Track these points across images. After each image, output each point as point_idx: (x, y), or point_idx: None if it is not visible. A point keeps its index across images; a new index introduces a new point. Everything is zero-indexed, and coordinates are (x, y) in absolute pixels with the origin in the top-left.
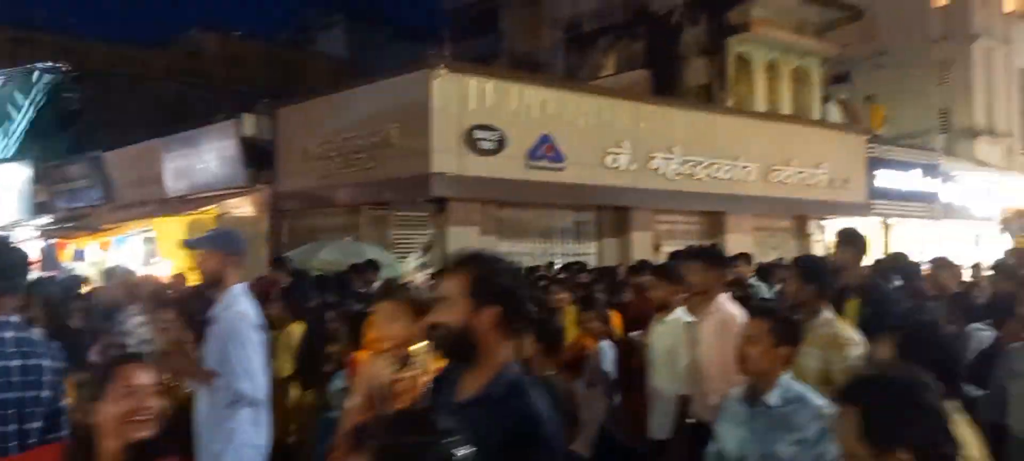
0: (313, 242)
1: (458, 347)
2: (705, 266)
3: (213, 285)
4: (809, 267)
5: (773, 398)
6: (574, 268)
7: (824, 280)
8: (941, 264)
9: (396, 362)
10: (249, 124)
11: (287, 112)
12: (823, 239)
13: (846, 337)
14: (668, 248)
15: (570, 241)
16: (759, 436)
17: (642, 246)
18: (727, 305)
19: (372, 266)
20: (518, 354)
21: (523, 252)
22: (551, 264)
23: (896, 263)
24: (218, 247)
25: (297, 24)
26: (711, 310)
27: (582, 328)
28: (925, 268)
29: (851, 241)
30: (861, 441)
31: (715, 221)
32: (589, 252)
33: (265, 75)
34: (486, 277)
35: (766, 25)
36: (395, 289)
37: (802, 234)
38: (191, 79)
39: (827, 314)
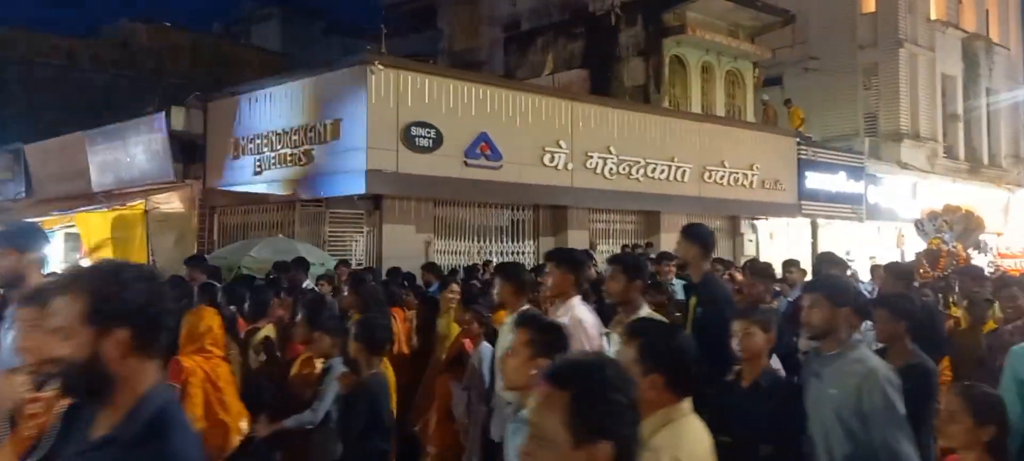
0: (244, 240)
1: (83, 383)
2: (557, 268)
3: (10, 285)
4: (629, 264)
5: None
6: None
7: (642, 276)
8: (791, 263)
9: (36, 379)
10: (178, 117)
11: (218, 105)
12: (756, 239)
13: None
14: (603, 247)
15: (507, 240)
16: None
17: (579, 245)
18: (576, 309)
19: (301, 265)
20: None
21: (460, 251)
22: (488, 262)
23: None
24: (13, 244)
25: (231, 16)
26: (561, 313)
27: (462, 328)
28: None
29: (696, 237)
30: (565, 427)
31: (650, 220)
32: (526, 251)
33: (197, 68)
34: (106, 296)
35: (701, 27)
36: (38, 293)
37: (735, 234)
38: (119, 70)
39: (646, 310)
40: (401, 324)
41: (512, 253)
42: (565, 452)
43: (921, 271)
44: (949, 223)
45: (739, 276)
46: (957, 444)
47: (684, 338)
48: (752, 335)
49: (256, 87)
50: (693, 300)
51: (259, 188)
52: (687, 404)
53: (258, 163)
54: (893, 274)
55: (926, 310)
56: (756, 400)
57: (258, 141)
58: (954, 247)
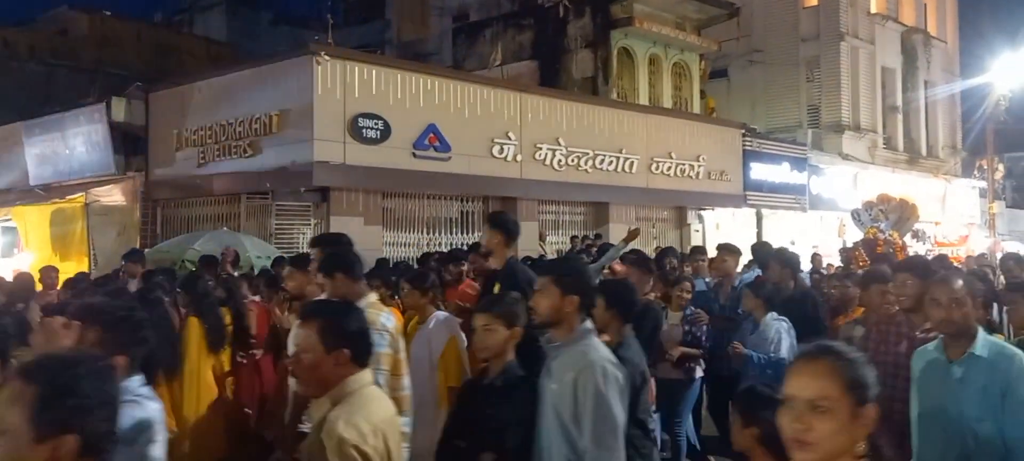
0: (189, 233)
1: None
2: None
3: None
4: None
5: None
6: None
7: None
8: (725, 248)
9: None
10: (120, 108)
11: (161, 96)
12: (702, 229)
13: None
14: (552, 238)
15: (457, 231)
16: None
17: (528, 236)
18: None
19: (210, 263)
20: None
21: (409, 242)
22: (428, 255)
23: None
24: None
25: (174, 5)
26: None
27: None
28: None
29: (500, 225)
30: (28, 422)
31: (599, 211)
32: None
33: (138, 58)
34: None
35: (648, 20)
36: None
37: (682, 224)
38: (58, 60)
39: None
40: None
41: (461, 245)
42: (26, 446)
43: (859, 260)
44: (885, 212)
45: (619, 267)
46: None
47: (359, 312)
48: (493, 331)
49: (200, 78)
50: (496, 287)
51: (203, 181)
52: (367, 375)
53: (202, 155)
54: (779, 261)
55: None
56: (492, 400)
57: (202, 132)
58: (890, 236)
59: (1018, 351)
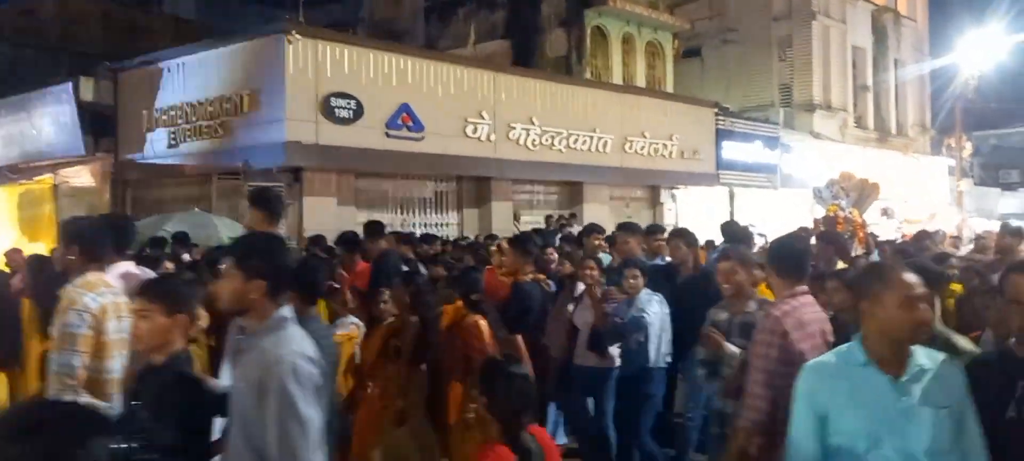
0: (159, 214)
1: None
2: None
3: None
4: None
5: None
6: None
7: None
8: (625, 228)
9: None
10: (88, 88)
11: (130, 76)
12: (675, 208)
13: None
14: (527, 218)
15: (431, 212)
16: None
17: (502, 216)
18: None
19: (180, 239)
20: None
21: (383, 222)
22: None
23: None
24: None
25: None
26: None
27: None
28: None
29: (260, 202)
30: None
31: (573, 191)
32: (450, 222)
33: (106, 37)
34: None
35: None
36: None
37: (655, 203)
38: (23, 39)
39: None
40: None
41: (436, 225)
42: None
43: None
44: (846, 190)
45: (501, 248)
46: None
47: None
48: (148, 317)
49: (170, 57)
50: None
51: (174, 161)
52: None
53: (173, 135)
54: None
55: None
56: (149, 396)
57: (172, 113)
58: (850, 213)
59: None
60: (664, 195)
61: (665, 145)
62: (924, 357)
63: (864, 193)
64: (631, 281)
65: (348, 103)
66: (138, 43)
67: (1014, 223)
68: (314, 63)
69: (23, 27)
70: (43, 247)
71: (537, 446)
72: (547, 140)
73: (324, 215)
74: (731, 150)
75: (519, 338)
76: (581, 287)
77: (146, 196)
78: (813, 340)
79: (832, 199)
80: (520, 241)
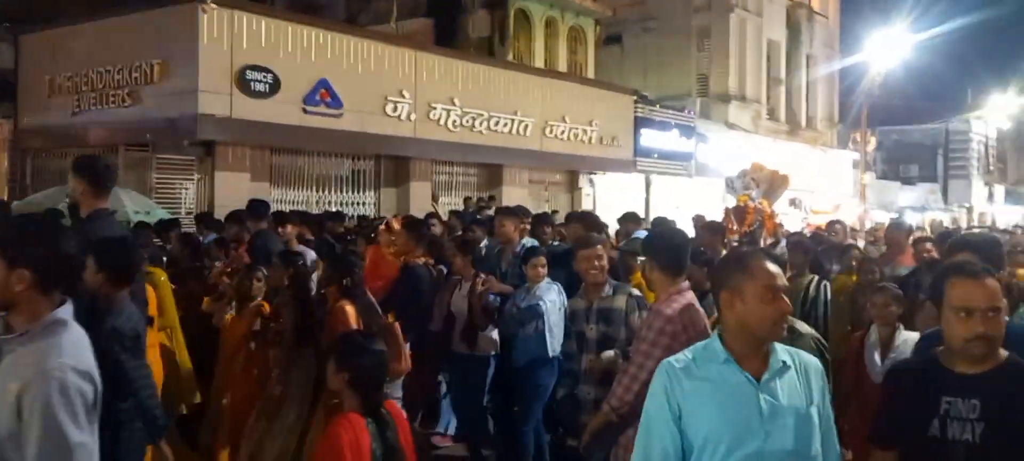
0: (60, 186)
1: None
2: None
3: None
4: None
5: None
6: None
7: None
8: (504, 212)
9: None
10: None
11: (32, 39)
12: (593, 193)
13: None
14: (446, 199)
15: (348, 190)
16: None
17: (421, 196)
18: None
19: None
20: None
21: (298, 200)
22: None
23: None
24: None
25: None
26: None
27: None
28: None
29: (85, 170)
30: None
31: (493, 173)
32: (368, 201)
33: None
34: None
35: None
36: None
37: (573, 188)
38: None
39: None
40: None
41: (353, 204)
42: None
43: (729, 227)
44: (756, 181)
45: (390, 228)
46: None
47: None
48: None
49: (77, 20)
50: None
51: (78, 130)
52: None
53: (77, 103)
54: (708, 230)
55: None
56: None
57: (77, 79)
58: (760, 204)
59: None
60: (582, 180)
61: (585, 130)
62: (785, 353)
63: (774, 184)
64: (535, 270)
65: (264, 76)
66: (41, 6)
67: (907, 216)
68: (230, 34)
69: None
70: None
71: (391, 419)
72: (468, 121)
73: (237, 191)
74: (649, 138)
75: (396, 325)
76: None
77: (47, 165)
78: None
79: (743, 189)
80: (413, 224)
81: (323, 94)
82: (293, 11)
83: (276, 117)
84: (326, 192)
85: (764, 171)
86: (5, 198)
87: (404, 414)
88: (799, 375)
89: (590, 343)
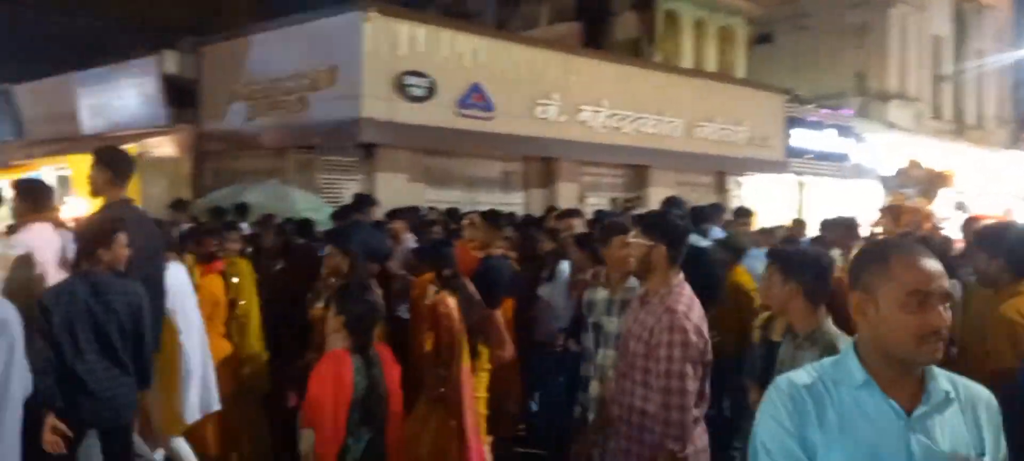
0: (236, 185)
1: None
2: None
3: None
4: None
5: None
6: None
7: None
8: (396, 213)
9: None
10: (172, 61)
11: (212, 50)
12: (741, 195)
13: None
14: (592, 200)
15: (497, 191)
16: None
17: (568, 197)
18: None
19: (240, 210)
20: None
21: (450, 200)
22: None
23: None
24: None
25: None
26: None
27: None
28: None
29: (106, 161)
30: None
31: (639, 174)
32: (516, 202)
33: (187, 12)
34: None
35: None
36: None
37: (722, 189)
38: (107, 13)
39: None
40: None
41: (501, 204)
42: None
43: (883, 227)
44: (913, 179)
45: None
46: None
47: None
48: None
49: (251, 32)
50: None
51: (253, 134)
52: None
53: (252, 109)
54: (839, 226)
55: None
56: None
57: (252, 87)
58: (916, 203)
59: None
60: (731, 181)
61: (734, 131)
62: (948, 381)
63: (933, 182)
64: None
65: (422, 81)
66: (217, 20)
67: None
68: (390, 41)
69: (106, 2)
70: None
71: (378, 359)
72: (615, 122)
73: (395, 192)
74: (801, 138)
75: (496, 313)
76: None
77: (225, 167)
78: (703, 337)
79: (898, 187)
80: (491, 215)
81: (476, 97)
82: (448, 18)
83: (432, 120)
84: (476, 193)
85: (922, 168)
86: (189, 198)
87: (395, 360)
88: (965, 411)
89: (609, 337)
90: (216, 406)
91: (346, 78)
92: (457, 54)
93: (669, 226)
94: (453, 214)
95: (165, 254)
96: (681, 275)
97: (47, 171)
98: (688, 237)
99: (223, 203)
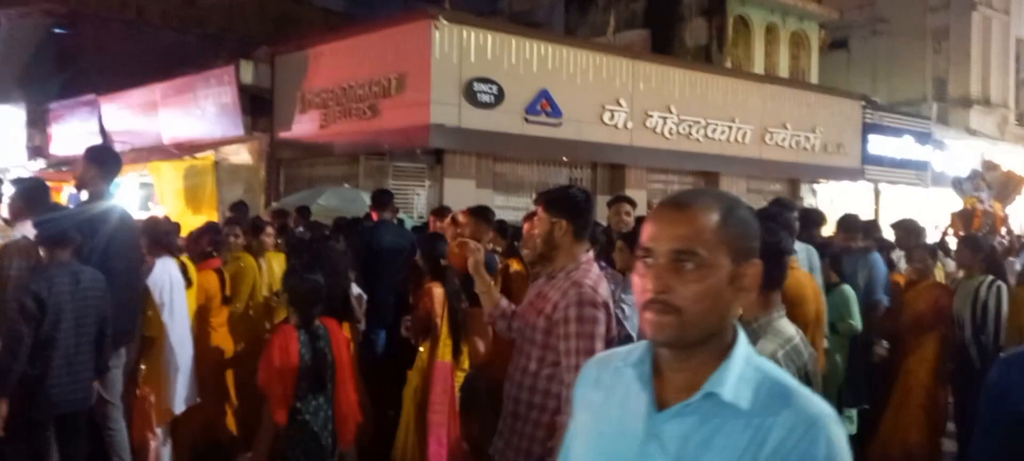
0: (309, 190)
1: None
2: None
3: None
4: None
5: None
6: None
7: None
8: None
9: None
10: (247, 71)
11: (286, 60)
12: (815, 203)
13: None
14: None
15: None
16: None
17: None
18: None
19: (303, 212)
20: None
21: (518, 207)
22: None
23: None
24: None
25: None
26: None
27: None
28: None
29: (93, 159)
30: None
31: (709, 181)
32: None
33: (262, 25)
34: None
35: None
36: None
37: (795, 197)
38: (187, 27)
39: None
40: None
41: None
42: None
43: (954, 231)
44: (988, 182)
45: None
46: None
47: None
48: None
49: (323, 41)
50: None
51: (324, 141)
52: None
53: (324, 116)
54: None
55: None
56: None
57: (324, 95)
58: (991, 207)
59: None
60: (804, 189)
61: (807, 137)
62: (740, 378)
63: (1009, 186)
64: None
65: (490, 88)
66: (290, 32)
67: None
68: (458, 48)
69: (187, 16)
70: (203, 218)
71: (325, 331)
72: (684, 129)
73: (463, 197)
74: (878, 145)
75: (480, 311)
76: None
77: (298, 173)
78: (610, 313)
79: (973, 191)
80: (480, 211)
81: (544, 104)
82: (516, 25)
83: (500, 126)
84: None
85: (998, 171)
86: (262, 203)
87: (345, 334)
88: (754, 428)
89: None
90: (196, 399)
91: (415, 85)
92: (525, 60)
93: (571, 201)
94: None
95: (142, 249)
96: (590, 252)
97: (130, 178)
98: (591, 212)
99: (290, 207)
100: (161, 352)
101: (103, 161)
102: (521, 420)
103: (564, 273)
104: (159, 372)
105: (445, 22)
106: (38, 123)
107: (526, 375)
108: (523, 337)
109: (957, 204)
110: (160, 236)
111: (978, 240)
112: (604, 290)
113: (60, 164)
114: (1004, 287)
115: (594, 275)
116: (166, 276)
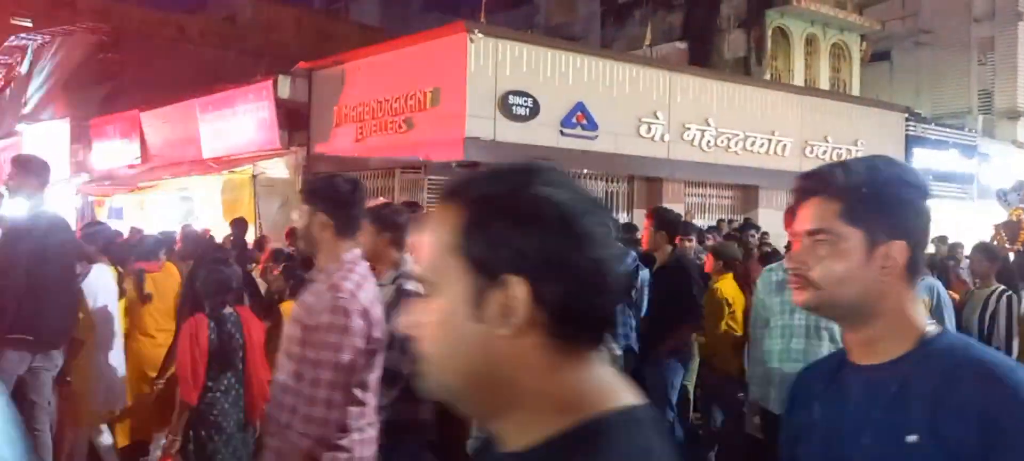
0: None
1: None
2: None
3: None
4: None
5: None
6: None
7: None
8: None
9: None
10: (284, 86)
11: (322, 75)
12: None
13: None
14: (699, 221)
15: None
16: None
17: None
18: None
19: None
20: None
21: None
22: None
23: None
24: None
25: None
26: None
27: None
28: None
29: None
30: None
31: (748, 195)
32: (619, 222)
33: (299, 42)
34: None
35: None
36: None
37: None
38: (226, 44)
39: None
40: None
41: None
42: None
43: (999, 243)
44: None
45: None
46: None
47: None
48: None
49: (359, 56)
50: None
51: (360, 155)
52: None
53: (359, 130)
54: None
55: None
56: None
57: (360, 109)
58: None
59: None
60: None
61: (849, 150)
62: None
63: None
64: None
65: (525, 101)
66: (327, 48)
67: None
68: (494, 61)
69: (226, 33)
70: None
71: (237, 317)
72: (722, 142)
73: None
74: (922, 158)
75: None
76: None
77: None
78: (370, 320)
79: (1018, 203)
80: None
81: (579, 117)
82: (552, 37)
83: (535, 139)
84: None
85: None
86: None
87: (259, 322)
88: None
89: None
90: (122, 403)
91: (450, 98)
92: (560, 73)
93: (330, 190)
94: None
95: (76, 253)
96: (356, 250)
97: (170, 193)
98: (357, 206)
99: None
100: (91, 355)
101: (33, 169)
102: (272, 436)
103: (325, 275)
104: (86, 375)
105: (480, 35)
106: (81, 138)
107: (278, 390)
108: (283, 349)
109: (1001, 216)
110: (102, 244)
111: (993, 249)
112: (366, 295)
113: (103, 179)
114: (1015, 297)
115: (357, 277)
116: (98, 283)
